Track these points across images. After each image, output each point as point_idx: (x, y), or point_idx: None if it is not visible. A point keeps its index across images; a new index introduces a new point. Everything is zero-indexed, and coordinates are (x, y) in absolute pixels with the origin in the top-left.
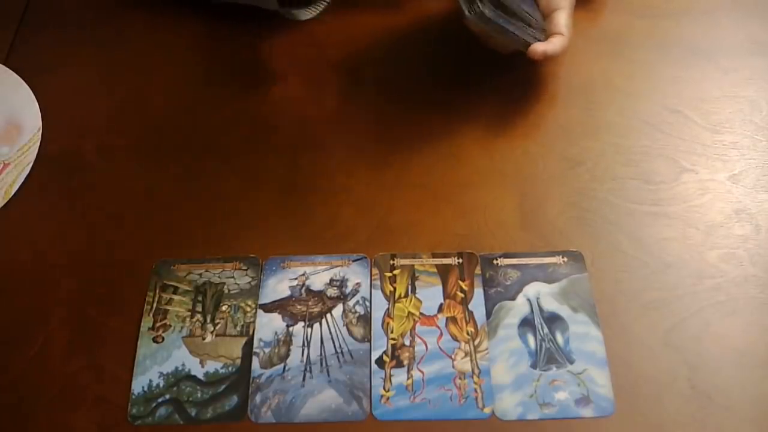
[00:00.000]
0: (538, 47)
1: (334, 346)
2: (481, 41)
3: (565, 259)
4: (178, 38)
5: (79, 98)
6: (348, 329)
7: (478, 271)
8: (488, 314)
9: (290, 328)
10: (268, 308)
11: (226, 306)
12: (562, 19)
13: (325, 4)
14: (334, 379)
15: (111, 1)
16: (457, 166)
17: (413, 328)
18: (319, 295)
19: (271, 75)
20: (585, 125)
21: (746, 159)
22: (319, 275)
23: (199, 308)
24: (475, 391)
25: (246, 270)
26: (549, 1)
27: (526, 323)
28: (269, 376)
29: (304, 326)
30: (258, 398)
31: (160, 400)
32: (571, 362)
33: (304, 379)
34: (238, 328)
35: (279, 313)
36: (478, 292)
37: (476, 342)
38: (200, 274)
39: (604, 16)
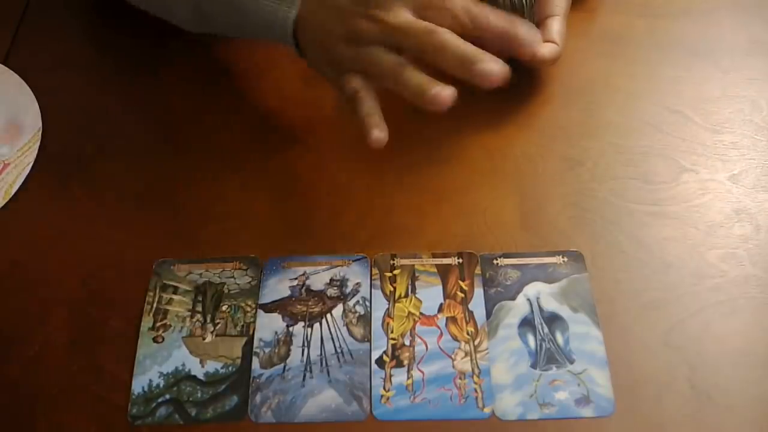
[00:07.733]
0: (528, 47)
1: (334, 346)
2: None
3: (565, 259)
4: (178, 38)
5: (79, 98)
6: (348, 329)
7: (478, 271)
8: (488, 314)
9: (290, 328)
10: (268, 308)
11: (226, 306)
12: (555, 26)
13: None
14: (334, 379)
15: (111, 0)
16: (457, 167)
17: (413, 328)
18: (319, 295)
19: (271, 75)
20: (585, 125)
21: (746, 159)
22: (319, 275)
23: (199, 308)
24: (475, 391)
25: (246, 270)
26: (542, 6)
27: (526, 323)
28: (269, 376)
29: (304, 326)
30: (258, 398)
31: (160, 400)
32: (571, 362)
33: (304, 379)
34: (238, 328)
35: (279, 313)
36: (478, 292)
37: (476, 342)
38: (200, 274)
39: (604, 16)
